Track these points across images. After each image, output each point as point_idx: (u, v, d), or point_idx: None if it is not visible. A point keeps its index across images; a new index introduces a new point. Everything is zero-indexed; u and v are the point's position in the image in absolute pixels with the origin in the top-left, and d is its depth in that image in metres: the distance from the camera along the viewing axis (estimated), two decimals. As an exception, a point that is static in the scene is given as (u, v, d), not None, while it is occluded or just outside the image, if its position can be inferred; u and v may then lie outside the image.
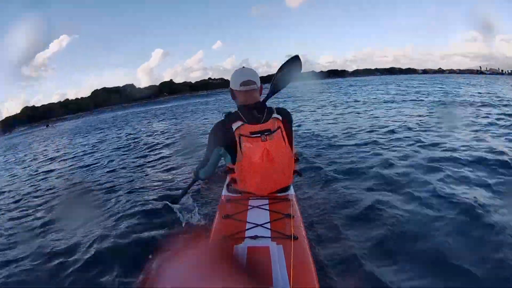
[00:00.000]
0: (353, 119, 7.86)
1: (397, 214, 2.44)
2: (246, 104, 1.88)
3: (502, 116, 6.63)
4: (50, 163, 7.41)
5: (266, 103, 1.95)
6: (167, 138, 8.07)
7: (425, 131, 5.52)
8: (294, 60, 2.10)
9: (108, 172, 4.93)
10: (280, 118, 1.84)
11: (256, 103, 1.89)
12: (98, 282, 1.83)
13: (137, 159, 5.76)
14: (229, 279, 1.04)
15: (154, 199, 3.00)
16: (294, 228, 1.46)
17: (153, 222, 2.45)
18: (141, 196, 3.21)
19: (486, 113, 7.17)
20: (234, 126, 1.78)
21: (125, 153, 6.80)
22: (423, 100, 11.45)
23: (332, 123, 7.47)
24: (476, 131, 5.33)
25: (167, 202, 2.52)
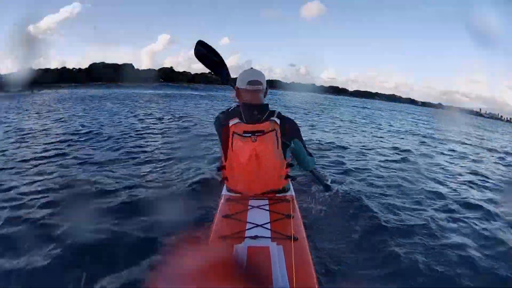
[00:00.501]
0: (356, 132, 8.42)
1: (397, 215, 2.55)
2: (249, 103, 1.87)
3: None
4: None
5: (270, 107, 1.93)
6: (149, 132, 7.34)
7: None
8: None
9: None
10: (278, 122, 1.83)
11: (259, 104, 1.88)
12: (97, 282, 1.81)
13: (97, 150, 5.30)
14: (230, 279, 1.06)
15: (148, 197, 2.97)
16: (294, 229, 1.48)
17: (152, 222, 2.43)
18: (133, 193, 3.15)
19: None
20: (231, 122, 1.81)
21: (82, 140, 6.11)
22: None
23: (334, 132, 7.94)
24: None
25: None
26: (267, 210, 1.70)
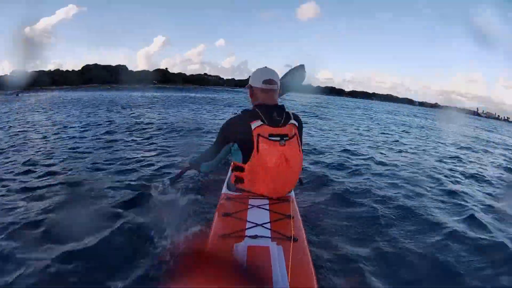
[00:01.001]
0: (355, 132, 8.46)
1: (398, 215, 2.53)
2: (265, 103, 1.84)
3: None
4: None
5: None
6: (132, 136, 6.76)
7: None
8: (299, 69, 2.16)
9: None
10: (297, 124, 1.83)
11: (276, 105, 1.86)
12: (97, 282, 1.77)
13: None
14: (230, 278, 1.04)
15: (147, 195, 2.80)
16: (294, 229, 1.47)
17: (152, 221, 2.35)
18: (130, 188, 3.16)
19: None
20: (253, 125, 1.74)
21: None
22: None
23: (332, 133, 7.92)
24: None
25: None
26: (267, 209, 1.68)
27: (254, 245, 1.36)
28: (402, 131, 11.30)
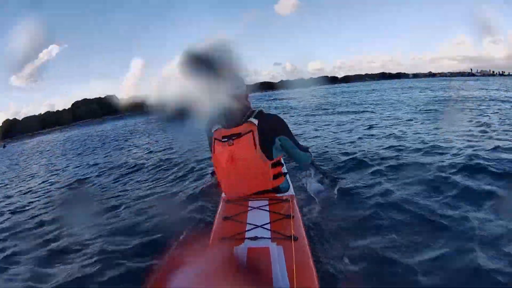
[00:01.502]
0: (353, 124, 7.84)
1: (399, 214, 2.46)
2: (238, 107, 1.87)
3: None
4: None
5: (253, 108, 1.95)
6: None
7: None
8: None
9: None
10: (256, 122, 1.81)
11: (244, 106, 1.89)
12: (97, 282, 1.81)
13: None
14: (230, 280, 1.05)
15: (149, 200, 2.97)
16: (294, 229, 1.47)
17: (153, 224, 2.40)
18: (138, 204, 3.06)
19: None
20: (213, 129, 1.86)
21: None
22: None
23: (331, 128, 7.63)
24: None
25: None
26: (267, 210, 1.68)
27: (254, 247, 1.37)
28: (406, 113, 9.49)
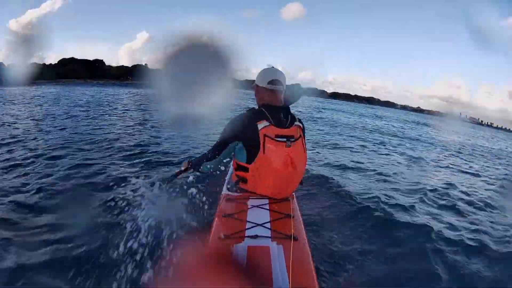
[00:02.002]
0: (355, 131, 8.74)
1: (397, 215, 2.54)
2: (271, 104, 1.84)
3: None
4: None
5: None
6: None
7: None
8: (296, 86, 2.10)
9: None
10: (302, 126, 1.85)
11: (281, 106, 1.87)
12: (97, 282, 1.84)
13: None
14: (230, 278, 1.05)
15: (147, 196, 2.53)
16: (294, 228, 1.48)
17: (152, 221, 2.22)
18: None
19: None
20: (260, 125, 1.74)
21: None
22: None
23: (330, 132, 8.26)
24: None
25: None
26: (267, 209, 1.68)
27: (254, 245, 1.37)
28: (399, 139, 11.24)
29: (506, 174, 6.50)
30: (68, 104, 12.84)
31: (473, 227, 2.69)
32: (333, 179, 3.42)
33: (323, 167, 4.04)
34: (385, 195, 3.06)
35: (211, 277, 1.03)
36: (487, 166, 7.42)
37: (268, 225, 1.53)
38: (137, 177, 3.31)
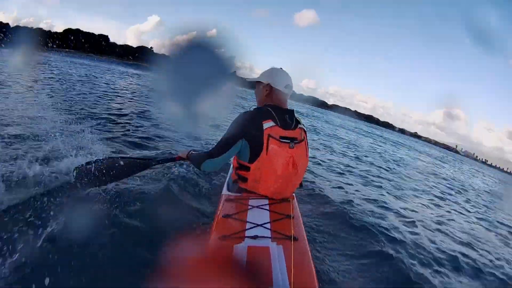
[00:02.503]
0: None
1: (397, 217, 2.59)
2: (278, 105, 1.83)
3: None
4: None
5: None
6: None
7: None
8: None
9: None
10: (305, 129, 1.86)
11: (287, 109, 1.86)
12: (97, 282, 1.73)
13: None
14: (230, 279, 1.03)
15: (147, 196, 2.64)
16: (294, 229, 1.45)
17: (152, 221, 2.28)
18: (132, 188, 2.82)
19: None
20: (266, 124, 1.71)
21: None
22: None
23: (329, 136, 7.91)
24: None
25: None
26: (267, 210, 1.66)
27: (254, 246, 1.34)
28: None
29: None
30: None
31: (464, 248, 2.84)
32: (334, 180, 3.43)
33: (325, 169, 4.05)
34: (384, 199, 3.05)
35: (211, 277, 1.01)
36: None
37: (268, 225, 1.50)
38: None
